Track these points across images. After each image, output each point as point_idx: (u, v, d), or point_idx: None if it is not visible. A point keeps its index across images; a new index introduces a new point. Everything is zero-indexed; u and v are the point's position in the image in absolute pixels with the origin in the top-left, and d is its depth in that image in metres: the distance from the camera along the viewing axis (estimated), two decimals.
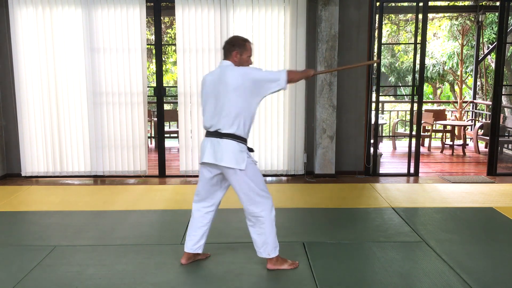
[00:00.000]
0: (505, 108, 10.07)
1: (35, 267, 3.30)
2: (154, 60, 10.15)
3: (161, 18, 6.32)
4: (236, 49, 3.10)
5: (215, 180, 3.21)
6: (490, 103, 6.79)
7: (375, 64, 6.18)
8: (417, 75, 6.15)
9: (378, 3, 5.96)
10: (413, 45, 6.20)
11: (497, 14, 7.49)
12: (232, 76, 2.99)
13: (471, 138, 8.89)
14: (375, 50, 6.14)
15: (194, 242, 3.30)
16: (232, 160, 3.01)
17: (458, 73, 10.63)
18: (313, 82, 5.99)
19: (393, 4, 7.63)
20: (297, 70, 3.25)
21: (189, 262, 3.35)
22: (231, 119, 3.00)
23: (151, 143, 8.81)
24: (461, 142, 8.34)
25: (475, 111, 9.59)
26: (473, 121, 9.34)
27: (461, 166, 7.07)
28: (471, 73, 12.48)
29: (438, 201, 4.98)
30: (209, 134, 3.11)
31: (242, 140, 3.05)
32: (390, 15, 13.02)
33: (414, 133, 6.25)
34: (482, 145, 8.62)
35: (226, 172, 3.08)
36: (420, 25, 5.99)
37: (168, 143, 7.72)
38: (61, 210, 4.68)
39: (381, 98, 9.93)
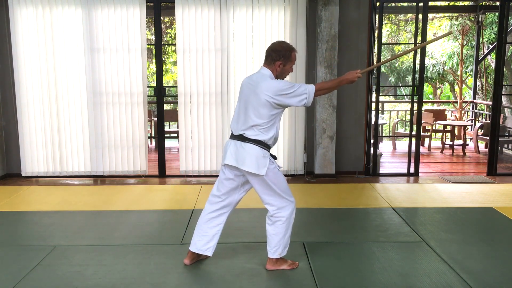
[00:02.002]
0: (505, 108, 10.07)
1: (35, 267, 3.30)
2: (154, 60, 10.15)
3: (161, 18, 6.32)
4: (281, 59, 3.04)
5: (236, 182, 3.20)
6: (490, 103, 6.79)
7: (375, 64, 6.17)
8: (417, 75, 6.15)
9: (378, 3, 5.96)
10: (413, 45, 6.20)
11: (497, 14, 7.49)
12: (265, 90, 2.96)
13: (471, 138, 8.89)
14: (375, 50, 6.14)
15: (204, 242, 3.27)
16: (254, 165, 3.01)
17: (458, 73, 10.63)
18: (313, 82, 5.99)
19: (393, 4, 7.63)
20: (329, 82, 3.11)
21: (192, 262, 3.34)
22: (257, 127, 3.01)
23: (151, 143, 8.81)
24: (461, 142, 8.34)
25: (475, 111, 9.59)
26: (473, 121, 9.34)
27: (461, 166, 7.07)
28: (471, 73, 12.49)
29: (438, 201, 4.98)
30: (234, 136, 3.11)
31: (266, 146, 3.05)
32: (390, 15, 13.02)
33: (414, 133, 6.25)
34: (482, 145, 8.63)
35: (248, 176, 3.11)
36: (420, 25, 5.99)
37: (168, 143, 7.72)
38: (61, 210, 4.68)
39: (381, 98, 9.93)
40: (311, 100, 2.99)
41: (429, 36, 14.06)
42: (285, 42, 3.16)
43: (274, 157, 3.18)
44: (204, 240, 3.27)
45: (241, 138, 3.06)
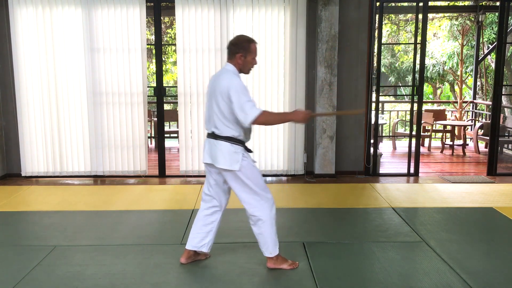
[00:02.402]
0: (505, 108, 10.07)
1: (35, 267, 3.30)
2: (154, 60, 10.15)
3: (161, 18, 6.32)
4: (241, 51, 3.06)
5: (219, 181, 3.23)
6: (490, 103, 6.79)
7: (375, 66, 6.17)
8: (417, 75, 6.15)
9: (378, 3, 5.96)
10: (413, 45, 6.20)
11: (497, 14, 7.49)
12: (222, 84, 3.00)
13: (471, 138, 8.89)
14: (375, 50, 6.14)
15: (199, 239, 3.29)
16: (226, 161, 3.04)
17: (458, 73, 10.64)
18: (313, 82, 5.99)
19: (393, 4, 7.63)
20: (280, 112, 3.12)
21: (189, 261, 3.35)
22: (224, 122, 3.03)
23: (151, 143, 8.81)
24: (461, 142, 8.34)
25: (475, 111, 9.59)
26: (473, 121, 9.34)
27: (461, 166, 7.07)
28: (471, 73, 12.49)
29: (438, 201, 4.98)
30: (208, 135, 3.16)
31: (237, 141, 3.06)
32: (390, 15, 13.02)
33: (414, 133, 6.25)
34: (482, 145, 8.63)
35: (223, 173, 3.12)
36: (420, 25, 5.99)
37: (168, 143, 7.72)
38: (61, 210, 4.68)
39: (381, 98, 9.93)
40: (248, 121, 2.93)
41: (429, 36, 14.08)
42: (244, 35, 3.18)
43: (249, 151, 3.18)
44: (199, 237, 3.29)
45: (213, 135, 3.10)
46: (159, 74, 6.20)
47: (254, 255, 3.47)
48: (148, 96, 6.23)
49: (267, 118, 2.99)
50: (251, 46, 3.08)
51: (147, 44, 8.82)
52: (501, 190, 5.44)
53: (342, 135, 6.10)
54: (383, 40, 11.86)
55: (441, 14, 12.16)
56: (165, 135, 6.65)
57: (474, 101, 9.46)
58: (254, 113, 2.92)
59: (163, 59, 10.91)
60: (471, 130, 8.88)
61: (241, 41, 3.09)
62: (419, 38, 6.01)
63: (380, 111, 8.25)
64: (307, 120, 3.11)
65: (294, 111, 3.12)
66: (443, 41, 13.89)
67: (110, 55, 5.85)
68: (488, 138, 7.08)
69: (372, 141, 6.26)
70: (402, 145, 8.93)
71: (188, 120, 6.00)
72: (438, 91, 16.97)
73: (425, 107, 11.35)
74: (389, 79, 16.32)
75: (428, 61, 13.66)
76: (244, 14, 5.84)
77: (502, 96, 6.92)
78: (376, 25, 6.09)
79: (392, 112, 10.64)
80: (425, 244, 3.71)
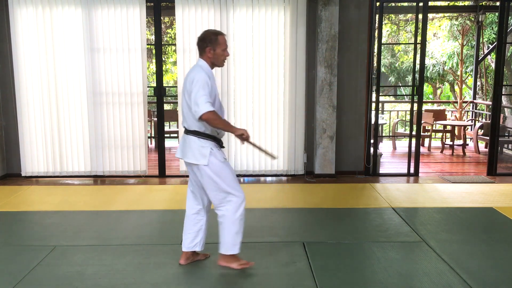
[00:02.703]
0: (505, 108, 10.07)
1: (35, 267, 3.30)
2: (154, 60, 10.15)
3: (161, 18, 6.32)
4: (209, 45, 3.07)
5: (195, 177, 3.22)
6: (490, 103, 6.79)
7: (375, 66, 6.17)
8: (417, 75, 6.15)
9: (378, 3, 5.95)
10: (413, 45, 6.20)
11: (497, 14, 7.49)
12: (189, 78, 3.03)
13: (471, 138, 8.89)
14: (375, 50, 6.14)
15: (190, 240, 3.30)
16: (194, 156, 3.07)
17: (458, 73, 10.64)
18: (313, 82, 5.99)
19: (393, 4, 7.63)
20: (224, 120, 3.05)
21: (188, 262, 3.35)
22: (191, 117, 3.04)
23: (151, 143, 8.80)
24: (461, 142, 8.34)
25: (475, 111, 9.59)
26: (473, 121, 9.34)
27: (461, 166, 7.07)
28: (471, 73, 12.49)
29: (438, 201, 4.98)
30: (184, 131, 3.19)
31: (206, 136, 3.06)
32: (390, 15, 13.02)
33: (414, 133, 6.25)
34: (482, 145, 8.62)
35: (193, 168, 3.13)
36: (420, 25, 5.99)
37: (168, 143, 7.72)
38: (61, 210, 4.68)
39: (381, 98, 9.93)
40: (198, 114, 2.93)
41: (429, 36, 14.07)
42: (210, 29, 3.22)
43: (222, 146, 3.18)
44: (190, 237, 3.30)
45: (186, 131, 3.13)
46: (159, 74, 6.20)
47: (254, 255, 3.47)
48: (148, 96, 6.23)
49: (215, 117, 2.95)
50: (219, 38, 3.09)
51: (147, 44, 8.83)
52: (501, 190, 5.44)
53: (342, 135, 6.10)
54: (383, 40, 11.86)
55: (441, 14, 12.16)
56: (165, 135, 6.64)
57: (474, 101, 9.46)
58: (206, 108, 2.91)
59: (163, 59, 10.90)
60: (471, 130, 8.88)
61: (208, 35, 3.09)
62: (419, 38, 6.01)
63: (380, 111, 8.25)
64: (242, 140, 3.07)
65: (239, 128, 3.08)
66: (443, 41, 13.89)
67: (110, 55, 5.85)
68: (488, 138, 7.08)
69: (372, 141, 6.26)
70: (402, 145, 8.93)
71: None
72: (438, 91, 16.97)
73: (425, 107, 11.35)
74: (389, 79, 16.32)
75: (428, 61, 13.66)
76: (244, 14, 5.84)
77: (502, 96, 6.92)
78: (376, 25, 6.09)
79: (392, 112, 10.64)
80: (425, 244, 3.71)
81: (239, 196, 3.13)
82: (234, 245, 3.17)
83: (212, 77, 3.08)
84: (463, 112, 9.36)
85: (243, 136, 3.05)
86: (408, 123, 6.86)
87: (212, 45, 3.07)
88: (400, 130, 10.71)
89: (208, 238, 3.39)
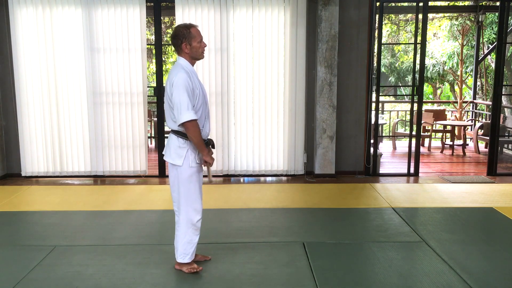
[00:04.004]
0: (505, 108, 10.07)
1: (35, 267, 3.30)
2: (154, 60, 10.14)
3: (161, 18, 6.32)
4: (183, 40, 2.99)
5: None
6: (490, 103, 6.79)
7: (375, 66, 6.17)
8: (417, 75, 6.15)
9: (378, 3, 5.95)
10: (413, 45, 6.20)
11: (497, 14, 7.49)
12: (170, 78, 2.99)
13: (471, 138, 8.89)
14: (375, 50, 6.14)
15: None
16: (171, 155, 3.06)
17: (458, 73, 10.63)
18: (313, 82, 5.99)
19: (393, 4, 7.63)
20: (200, 136, 2.98)
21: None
22: (171, 116, 3.02)
23: (151, 143, 8.81)
24: (461, 142, 8.34)
25: (475, 111, 9.59)
26: (473, 121, 9.34)
27: (461, 166, 7.07)
28: (471, 73, 12.49)
29: (438, 201, 4.98)
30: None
31: (186, 137, 3.02)
32: (390, 15, 13.02)
33: (414, 133, 6.25)
34: (482, 145, 8.62)
35: (170, 167, 3.13)
36: (420, 25, 5.99)
37: None
38: (61, 210, 4.68)
39: (381, 98, 9.93)
40: (179, 122, 2.90)
41: (429, 36, 14.07)
42: (180, 24, 3.10)
43: (211, 145, 3.12)
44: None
45: (170, 130, 3.11)
46: (159, 74, 6.19)
47: (254, 255, 3.47)
48: (148, 96, 6.23)
49: (194, 129, 2.92)
50: (192, 31, 3.00)
51: (147, 44, 8.82)
52: (501, 190, 5.44)
53: (342, 135, 6.10)
54: (383, 40, 11.86)
55: (441, 14, 12.16)
56: (165, 135, 6.64)
57: (474, 101, 9.46)
58: (188, 117, 2.87)
59: (163, 59, 10.90)
60: (471, 130, 8.87)
61: (180, 30, 3.00)
62: (419, 38, 6.01)
63: (380, 111, 8.25)
64: (204, 163, 3.06)
65: (208, 150, 3.07)
66: (443, 41, 13.89)
67: (110, 55, 5.85)
68: (488, 138, 7.08)
69: (372, 141, 6.26)
70: (402, 145, 8.93)
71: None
72: (438, 91, 16.97)
73: (425, 107, 11.34)
74: (389, 79, 16.33)
75: (428, 61, 13.66)
76: (244, 14, 5.84)
77: (502, 96, 6.92)
78: (376, 25, 6.09)
79: (392, 112, 10.64)
80: (425, 244, 3.71)
81: (195, 210, 3.09)
82: (186, 254, 3.16)
83: (193, 74, 3.01)
84: (463, 112, 9.36)
85: (206, 159, 3.04)
86: (408, 123, 6.86)
87: (186, 40, 2.98)
88: (400, 130, 10.72)
89: (209, 238, 3.39)
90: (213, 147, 3.19)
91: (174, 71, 2.98)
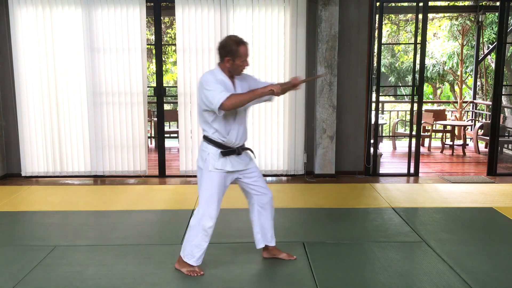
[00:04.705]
0: (505, 108, 10.07)
1: (35, 267, 3.30)
2: (154, 60, 10.14)
3: (161, 18, 6.32)
4: (228, 55, 2.95)
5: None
6: (490, 103, 6.79)
7: (375, 66, 6.17)
8: (417, 75, 6.15)
9: (378, 3, 5.95)
10: (413, 45, 6.20)
11: (497, 14, 7.49)
12: (200, 82, 3.00)
13: (471, 138, 8.89)
14: (375, 50, 6.14)
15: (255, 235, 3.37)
16: (199, 159, 3.12)
17: (458, 73, 10.63)
18: (313, 82, 5.99)
19: (393, 4, 7.63)
20: (245, 93, 2.92)
21: (269, 256, 3.42)
22: (200, 120, 3.07)
23: (151, 143, 8.80)
24: (461, 142, 8.34)
25: (475, 111, 9.59)
26: (473, 121, 9.34)
27: (461, 166, 7.07)
28: (471, 73, 12.48)
29: (438, 201, 4.98)
30: None
31: (210, 142, 3.04)
32: (390, 15, 13.02)
33: (414, 133, 6.25)
34: (482, 145, 8.62)
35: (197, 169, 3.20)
36: (420, 25, 5.99)
37: (168, 143, 7.72)
38: (61, 210, 4.68)
39: (381, 98, 9.93)
40: (216, 109, 2.85)
41: (429, 36, 14.07)
42: (234, 36, 3.03)
43: (238, 153, 3.08)
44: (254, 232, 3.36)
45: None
46: (159, 74, 6.20)
47: (254, 255, 3.47)
48: (148, 96, 6.24)
49: (234, 101, 2.83)
50: (240, 49, 2.94)
51: (147, 44, 8.82)
52: (501, 190, 5.44)
53: (342, 135, 6.10)
54: (383, 40, 11.85)
55: (441, 14, 12.16)
56: (165, 135, 6.64)
57: (474, 101, 9.46)
58: (220, 99, 2.82)
59: (163, 59, 10.90)
60: (471, 130, 8.87)
61: (229, 44, 2.96)
62: (419, 38, 6.01)
63: (380, 111, 8.25)
64: (280, 90, 2.88)
65: (266, 87, 2.91)
66: (443, 41, 13.89)
67: (110, 55, 5.85)
68: (488, 138, 7.08)
69: (372, 141, 6.26)
70: (402, 145, 8.93)
71: (188, 120, 6.00)
72: (438, 91, 16.97)
73: (425, 107, 11.34)
74: (389, 79, 16.32)
75: (428, 61, 13.65)
76: (244, 14, 5.84)
77: (502, 96, 6.92)
78: (376, 25, 6.09)
79: (392, 112, 10.64)
80: (425, 244, 3.71)
81: (209, 214, 3.07)
82: (192, 256, 3.14)
83: (220, 82, 2.97)
84: (463, 112, 9.36)
85: (274, 92, 2.90)
86: (408, 123, 6.86)
87: (232, 57, 2.94)
88: (400, 130, 10.71)
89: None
90: (239, 153, 3.10)
91: (203, 75, 3.03)
